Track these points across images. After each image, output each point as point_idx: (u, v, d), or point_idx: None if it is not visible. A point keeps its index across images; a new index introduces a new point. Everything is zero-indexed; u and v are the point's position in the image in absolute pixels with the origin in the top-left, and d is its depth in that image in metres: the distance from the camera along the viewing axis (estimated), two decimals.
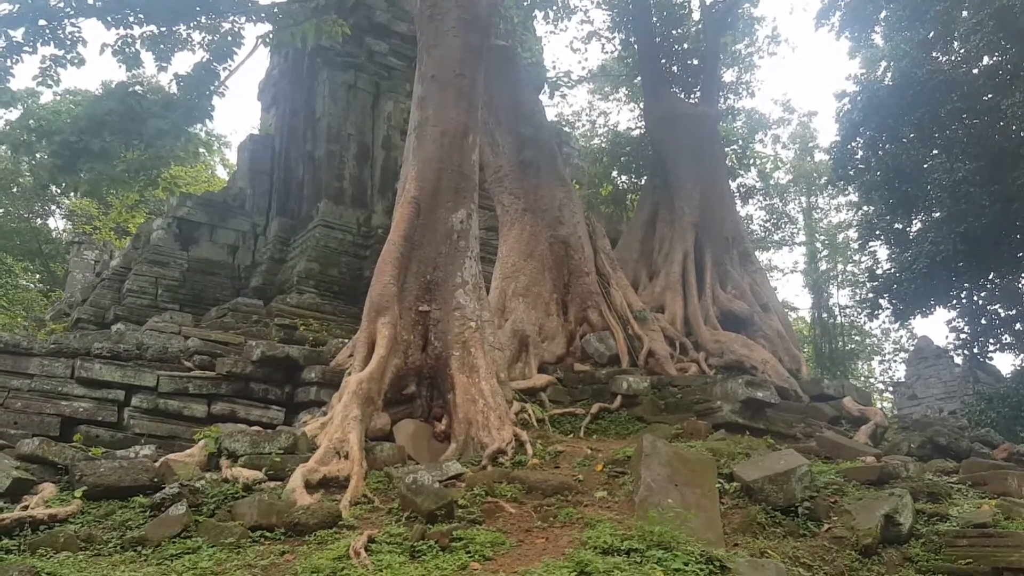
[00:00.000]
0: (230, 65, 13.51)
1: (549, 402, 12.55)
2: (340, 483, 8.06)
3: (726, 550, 7.22)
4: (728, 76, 29.57)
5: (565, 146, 26.79)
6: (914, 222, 22.26)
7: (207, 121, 15.40)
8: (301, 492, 7.57)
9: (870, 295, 24.52)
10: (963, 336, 22.44)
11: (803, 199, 37.30)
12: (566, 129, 26.29)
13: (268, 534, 6.89)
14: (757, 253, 39.10)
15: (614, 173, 21.45)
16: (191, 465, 8.03)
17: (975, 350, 22.15)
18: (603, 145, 22.48)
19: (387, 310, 10.11)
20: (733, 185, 22.99)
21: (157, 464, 7.90)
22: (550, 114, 27.33)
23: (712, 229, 18.24)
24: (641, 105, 21.53)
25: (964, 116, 18.98)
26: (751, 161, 23.19)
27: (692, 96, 20.95)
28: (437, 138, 11.03)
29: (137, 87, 13.85)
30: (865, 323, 35.55)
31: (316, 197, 21.28)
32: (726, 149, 22.21)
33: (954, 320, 22.58)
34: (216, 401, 11.09)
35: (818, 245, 37.63)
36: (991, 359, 23.73)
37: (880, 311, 25.99)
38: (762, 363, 14.36)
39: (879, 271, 24.62)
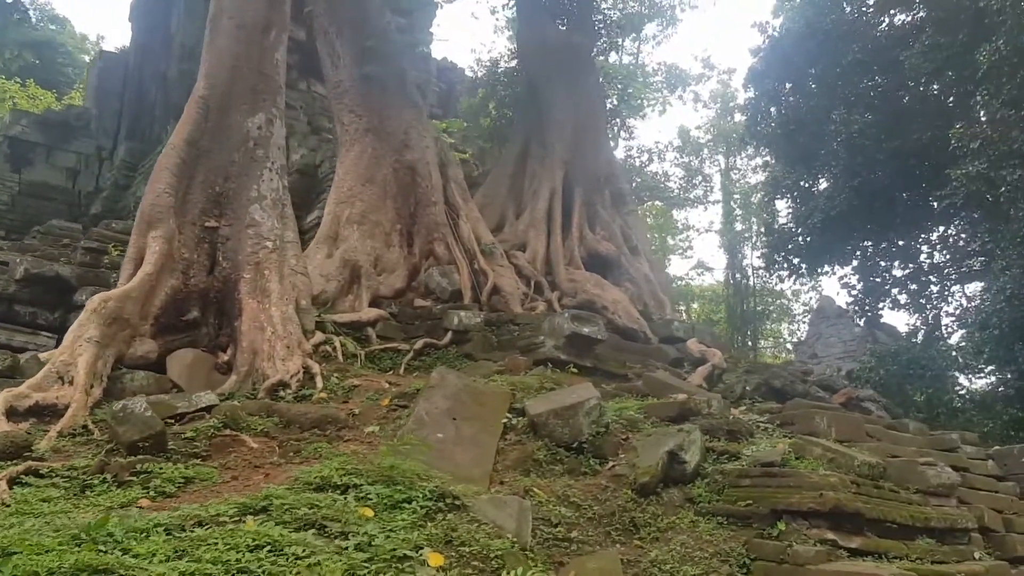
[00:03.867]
0: None
1: (377, 337, 11.53)
2: (60, 412, 6.90)
3: (489, 487, 6.42)
4: (650, 29, 28.85)
5: (458, 84, 25.51)
6: (820, 180, 21.75)
7: None
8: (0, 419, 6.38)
9: (765, 250, 24.13)
10: (854, 293, 22.30)
11: (721, 159, 36.85)
12: (453, 63, 25.04)
13: None
14: (673, 212, 38.80)
15: (491, 106, 20.28)
16: None
17: (866, 309, 21.92)
18: (481, 77, 21.26)
19: (160, 223, 8.86)
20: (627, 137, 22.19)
21: None
22: (465, 61, 25.98)
23: (584, 167, 17.36)
24: None
25: (865, 69, 18.43)
26: (640, 102, 22.34)
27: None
28: (232, 32, 9.69)
29: None
30: (776, 284, 35.67)
31: (168, 119, 19.50)
32: (613, 90, 21.33)
33: (846, 277, 22.42)
34: None
35: (733, 205, 37.31)
36: (880, 316, 23.64)
37: (775, 268, 25.84)
38: (613, 303, 13.64)
39: (775, 227, 24.25)
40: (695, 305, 42.35)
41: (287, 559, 3.91)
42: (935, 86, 17.54)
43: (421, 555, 4.56)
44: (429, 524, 5.04)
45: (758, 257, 36.71)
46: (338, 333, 10.57)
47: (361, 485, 5.34)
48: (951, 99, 17.25)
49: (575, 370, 9.68)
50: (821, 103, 19.00)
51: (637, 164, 33.14)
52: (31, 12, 37.96)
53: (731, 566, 5.86)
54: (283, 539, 4.10)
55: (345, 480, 5.39)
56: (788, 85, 20.02)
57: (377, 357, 10.85)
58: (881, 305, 21.99)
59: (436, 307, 12.22)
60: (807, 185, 21.31)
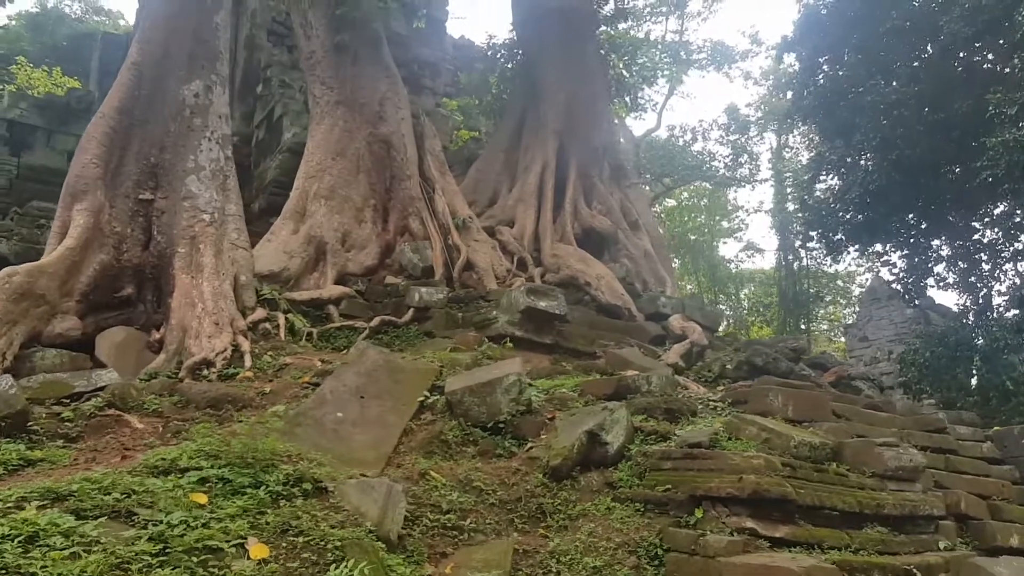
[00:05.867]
0: None
1: (341, 316, 11.08)
2: None
3: (383, 471, 5.90)
4: (695, 4, 27.72)
5: (476, 62, 24.85)
6: (864, 155, 20.51)
7: None
8: None
9: (802, 228, 22.90)
10: (895, 272, 21.03)
11: (772, 137, 35.32)
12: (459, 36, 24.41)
13: None
14: (720, 192, 37.48)
15: (492, 80, 19.60)
16: None
17: (910, 288, 20.67)
18: (482, 51, 20.54)
19: (86, 195, 8.48)
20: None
21: None
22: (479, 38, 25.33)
23: (580, 138, 16.61)
24: None
25: (905, 36, 17.20)
26: (652, 73, 21.41)
27: None
28: None
29: None
30: (831, 265, 34.14)
31: None
32: (620, 60, 20.45)
33: (887, 255, 21.10)
34: None
35: (785, 184, 35.83)
36: (925, 295, 22.27)
37: (812, 245, 24.41)
38: (596, 279, 12.92)
39: (811, 203, 22.92)
40: (748, 289, 41.17)
41: (41, 551, 3.42)
42: (978, 53, 16.28)
43: (233, 546, 4.05)
44: (270, 511, 4.52)
45: (796, 235, 35.19)
46: (289, 311, 10.14)
47: (209, 468, 4.84)
48: (996, 66, 15.99)
49: (511, 345, 9.07)
50: (860, 73, 17.82)
51: (680, 143, 32.07)
52: (77, 5, 38.46)
53: (639, 557, 5.25)
54: (51, 528, 3.62)
55: (193, 463, 4.89)
56: (826, 55, 18.85)
57: (332, 335, 10.39)
58: (925, 284, 20.74)
59: (402, 284, 11.70)
60: (851, 160, 20.00)
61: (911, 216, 18.73)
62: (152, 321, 8.97)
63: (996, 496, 7.73)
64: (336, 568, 4.09)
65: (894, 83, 17.08)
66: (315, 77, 13.20)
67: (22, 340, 7.54)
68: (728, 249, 53.31)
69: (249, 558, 4.06)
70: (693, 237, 38.93)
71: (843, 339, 37.15)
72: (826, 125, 19.94)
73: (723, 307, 40.73)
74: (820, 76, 19.07)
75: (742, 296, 41.64)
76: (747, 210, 48.11)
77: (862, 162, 19.21)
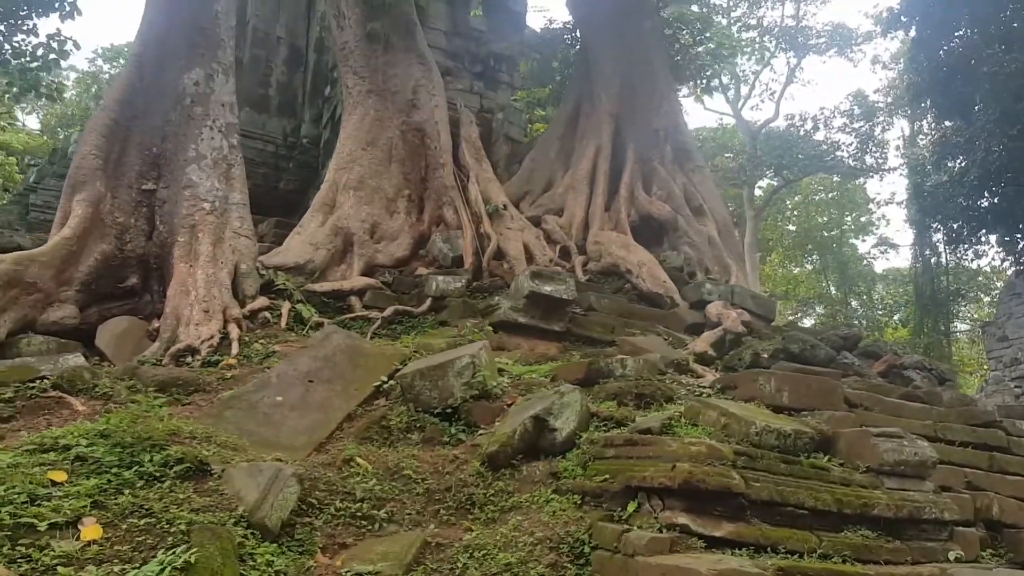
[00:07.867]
0: None
1: (364, 307, 10.86)
2: None
3: (308, 457, 5.54)
4: None
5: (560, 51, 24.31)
6: (983, 133, 18.65)
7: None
8: None
9: (917, 215, 21.05)
10: (1022, 263, 18.97)
11: (905, 124, 32.90)
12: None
13: None
14: (847, 184, 35.10)
15: (555, 67, 19.03)
16: None
17: None
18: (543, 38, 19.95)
19: (85, 185, 8.59)
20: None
21: None
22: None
23: (638, 120, 15.80)
24: None
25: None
26: (730, 51, 20.23)
27: None
28: None
29: None
30: (973, 260, 31.31)
31: (241, 106, 19.94)
32: (691, 37, 19.43)
33: (1016, 242, 19.04)
34: None
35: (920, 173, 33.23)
36: None
37: (930, 234, 22.39)
38: (637, 266, 12.15)
39: (925, 188, 20.95)
40: (881, 288, 38.64)
41: None
42: None
43: (60, 526, 3.78)
44: (127, 492, 4.24)
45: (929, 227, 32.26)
46: (301, 301, 9.97)
47: (86, 447, 4.61)
48: None
49: (491, 329, 8.50)
50: (975, 43, 16.23)
51: (801, 133, 30.45)
52: None
53: (560, 554, 4.65)
54: None
55: (75, 441, 4.69)
56: (937, 27, 17.29)
57: (347, 325, 10.15)
58: None
59: (425, 274, 11.36)
60: (977, 142, 18.10)
61: None
62: (156, 311, 9.00)
63: None
64: (165, 553, 3.74)
65: (1012, 52, 15.39)
66: (348, 68, 13.11)
67: (11, 327, 7.66)
68: (861, 246, 49.64)
69: (78, 539, 3.78)
70: (823, 233, 36.71)
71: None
72: (942, 103, 18.35)
73: (856, 306, 38.19)
74: (936, 49, 17.46)
75: (875, 296, 38.97)
76: (877, 203, 44.17)
77: (982, 141, 17.36)
